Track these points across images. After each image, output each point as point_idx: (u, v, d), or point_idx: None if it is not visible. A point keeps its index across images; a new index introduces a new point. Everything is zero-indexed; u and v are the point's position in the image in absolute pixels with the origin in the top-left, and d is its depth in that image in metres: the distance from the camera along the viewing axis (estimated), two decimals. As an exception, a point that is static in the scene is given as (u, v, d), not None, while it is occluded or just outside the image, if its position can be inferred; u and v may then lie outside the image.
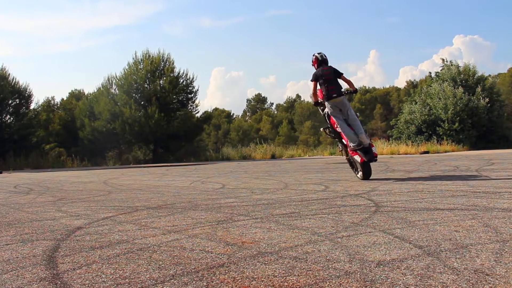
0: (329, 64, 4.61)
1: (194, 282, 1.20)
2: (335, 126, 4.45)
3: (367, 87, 46.96)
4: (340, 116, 4.44)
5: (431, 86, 21.94)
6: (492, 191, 3.04)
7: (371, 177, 4.43)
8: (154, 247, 1.66)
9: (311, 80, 4.57)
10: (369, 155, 4.20)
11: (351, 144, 4.26)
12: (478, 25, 69.66)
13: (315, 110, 44.78)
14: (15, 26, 69.14)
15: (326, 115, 4.58)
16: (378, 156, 4.80)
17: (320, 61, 4.60)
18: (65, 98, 31.90)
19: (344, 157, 4.77)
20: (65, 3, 77.29)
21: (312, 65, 4.68)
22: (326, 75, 4.47)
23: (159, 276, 1.27)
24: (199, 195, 3.66)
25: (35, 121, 20.83)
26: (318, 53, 4.65)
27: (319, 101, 4.65)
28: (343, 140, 4.46)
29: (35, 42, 72.14)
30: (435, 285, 1.09)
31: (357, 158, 4.25)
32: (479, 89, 20.28)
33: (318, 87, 4.59)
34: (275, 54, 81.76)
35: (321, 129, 4.89)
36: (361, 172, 4.38)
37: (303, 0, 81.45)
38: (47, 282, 1.25)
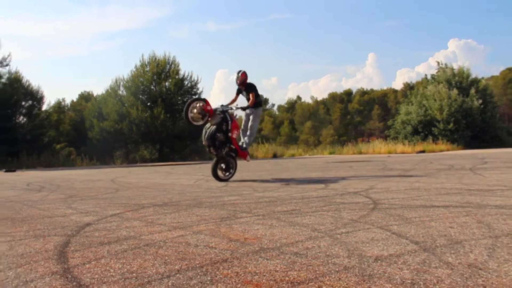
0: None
1: (198, 276, 1.23)
2: (233, 133, 4.93)
3: (365, 89, 46.97)
4: None
5: (427, 88, 22.20)
6: (485, 189, 3.05)
7: (366, 175, 4.79)
8: (160, 243, 1.71)
9: (255, 90, 5.21)
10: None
11: (247, 146, 5.21)
12: (472, 29, 69.45)
13: (315, 111, 44.90)
14: (27, 31, 70.42)
15: (230, 121, 4.93)
16: (377, 155, 5.41)
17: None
18: (75, 100, 32.49)
19: (216, 159, 4.98)
20: (74, 8, 78.37)
21: (245, 78, 5.30)
22: None
23: (165, 270, 1.31)
24: (204, 193, 3.70)
25: (47, 121, 21.29)
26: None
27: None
28: (231, 145, 4.98)
29: (47, 46, 73.32)
30: (430, 279, 1.12)
31: (249, 158, 5.30)
32: (473, 91, 20.56)
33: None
34: (277, 56, 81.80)
35: (219, 135, 4.83)
36: (234, 171, 5.13)
37: (304, 5, 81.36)
38: (58, 276, 1.30)
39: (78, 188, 4.97)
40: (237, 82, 5.29)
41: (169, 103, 20.17)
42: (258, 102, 5.22)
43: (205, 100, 4.87)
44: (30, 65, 66.70)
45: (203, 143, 4.86)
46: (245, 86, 5.26)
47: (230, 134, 4.86)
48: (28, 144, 18.74)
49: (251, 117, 5.25)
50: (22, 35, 67.58)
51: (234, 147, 5.01)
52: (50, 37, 73.84)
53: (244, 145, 5.21)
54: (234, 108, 5.13)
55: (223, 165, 5.04)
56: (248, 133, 5.29)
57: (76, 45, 74.80)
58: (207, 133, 4.79)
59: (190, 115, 4.78)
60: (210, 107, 4.84)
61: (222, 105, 4.97)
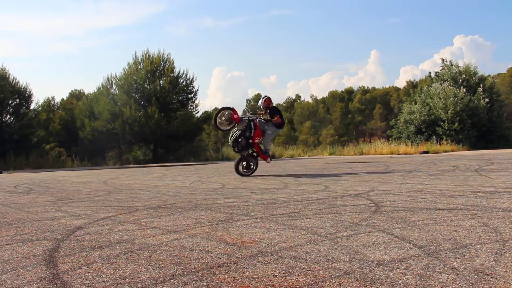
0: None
1: (194, 282, 1.20)
2: (256, 138, 5.89)
3: (366, 87, 47.17)
4: None
5: (431, 86, 22.07)
6: (491, 191, 3.05)
7: (367, 177, 4.84)
8: (154, 247, 1.66)
9: (280, 113, 6.13)
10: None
11: (267, 152, 6.15)
12: (479, 26, 70.10)
13: (314, 110, 45.24)
14: (17, 27, 69.12)
15: (254, 128, 5.88)
16: (378, 155, 5.70)
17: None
18: (65, 98, 31.94)
19: (239, 158, 6.02)
20: (67, 3, 77.20)
21: (269, 103, 6.16)
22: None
23: (159, 276, 1.27)
24: (199, 195, 3.66)
25: (35, 121, 20.87)
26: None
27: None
28: (253, 148, 6.01)
29: (36, 42, 72.14)
30: (434, 285, 1.10)
31: (269, 160, 6.28)
32: (480, 89, 20.31)
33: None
34: (276, 54, 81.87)
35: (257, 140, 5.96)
36: (254, 169, 6.06)
37: (305, 1, 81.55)
38: (47, 282, 1.25)
39: (68, 190, 4.88)
40: (261, 107, 6.15)
41: (164, 102, 20.01)
42: (281, 124, 6.09)
43: (232, 109, 5.87)
44: (19, 62, 65.51)
45: (229, 143, 5.97)
46: (269, 110, 6.05)
47: (251, 140, 5.78)
48: (16, 144, 18.34)
49: (268, 132, 6.03)
50: (11, 31, 66.37)
51: (255, 150, 5.97)
52: (40, 33, 72.61)
53: (265, 150, 6.10)
54: (261, 118, 6.04)
55: (244, 163, 6.00)
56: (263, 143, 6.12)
57: (68, 42, 73.72)
58: (232, 136, 5.82)
59: (218, 120, 5.79)
60: (237, 115, 5.79)
61: (251, 113, 6.08)
